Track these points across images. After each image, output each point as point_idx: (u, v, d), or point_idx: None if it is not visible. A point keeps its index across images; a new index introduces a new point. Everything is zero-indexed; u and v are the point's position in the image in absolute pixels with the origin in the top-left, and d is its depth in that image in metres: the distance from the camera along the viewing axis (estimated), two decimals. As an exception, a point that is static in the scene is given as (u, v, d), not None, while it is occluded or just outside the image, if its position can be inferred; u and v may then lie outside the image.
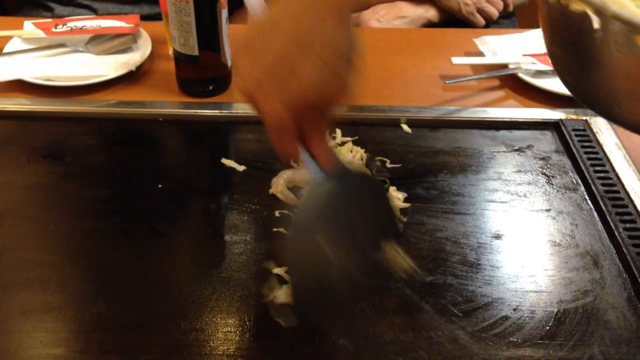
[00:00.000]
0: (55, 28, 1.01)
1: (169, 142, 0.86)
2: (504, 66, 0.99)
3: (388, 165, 0.80)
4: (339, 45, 0.46)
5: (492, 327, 0.61)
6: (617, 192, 0.75)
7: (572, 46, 0.46)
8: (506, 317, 0.62)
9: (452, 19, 1.25)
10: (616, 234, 0.70)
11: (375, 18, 1.24)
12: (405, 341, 0.60)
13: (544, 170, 0.80)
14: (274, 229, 0.70)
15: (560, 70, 0.50)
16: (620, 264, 0.68)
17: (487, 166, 0.81)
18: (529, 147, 0.84)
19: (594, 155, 0.81)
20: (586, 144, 0.83)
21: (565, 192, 0.77)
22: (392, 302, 0.63)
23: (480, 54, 1.03)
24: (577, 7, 0.40)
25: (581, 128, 0.86)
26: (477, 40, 1.05)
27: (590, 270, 0.67)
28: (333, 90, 0.47)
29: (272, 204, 0.73)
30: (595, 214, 0.74)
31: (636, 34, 0.38)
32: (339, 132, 0.83)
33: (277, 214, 0.72)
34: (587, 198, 0.76)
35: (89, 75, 0.93)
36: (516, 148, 0.84)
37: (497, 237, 0.71)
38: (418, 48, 1.07)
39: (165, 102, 0.90)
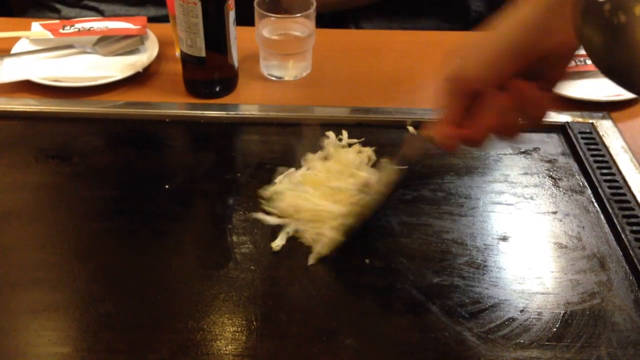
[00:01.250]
0: (63, 29, 1.02)
1: (176, 143, 0.87)
2: (510, 69, 0.99)
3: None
4: None
5: (499, 329, 0.61)
6: (624, 194, 0.75)
7: (590, 20, 0.49)
8: (513, 319, 0.62)
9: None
10: (623, 236, 0.70)
11: None
12: (412, 342, 0.60)
13: (551, 173, 0.80)
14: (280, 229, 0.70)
15: (589, 47, 0.53)
16: (627, 266, 0.68)
17: (493, 168, 0.81)
18: (536, 149, 0.84)
19: (600, 158, 0.81)
20: (592, 146, 0.83)
21: (572, 195, 0.77)
22: (399, 303, 0.63)
23: (486, 57, 1.03)
24: None
25: (587, 131, 0.86)
26: (483, 43, 1.05)
27: (597, 272, 0.67)
28: None
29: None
30: (602, 216, 0.74)
31: (636, 5, 0.41)
32: (345, 133, 0.83)
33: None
34: (594, 200, 0.76)
35: (97, 77, 0.93)
36: (523, 150, 0.84)
37: (504, 239, 0.71)
38: (424, 50, 1.07)
39: (172, 103, 0.90)
